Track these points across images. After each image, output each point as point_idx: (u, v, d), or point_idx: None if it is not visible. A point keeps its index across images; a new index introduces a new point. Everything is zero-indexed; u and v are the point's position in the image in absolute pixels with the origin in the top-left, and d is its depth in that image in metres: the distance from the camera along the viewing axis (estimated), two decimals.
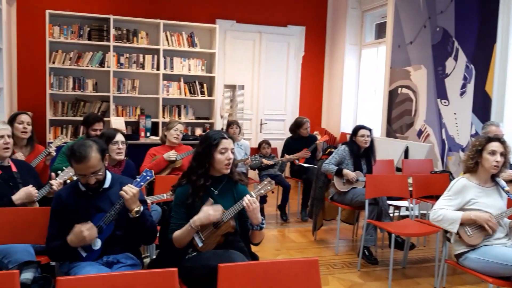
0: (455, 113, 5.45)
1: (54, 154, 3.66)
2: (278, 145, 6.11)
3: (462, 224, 2.90)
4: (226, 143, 2.52)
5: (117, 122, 6.00)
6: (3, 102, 4.69)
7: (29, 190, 2.79)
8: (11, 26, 6.14)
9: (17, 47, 6.35)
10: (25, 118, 3.72)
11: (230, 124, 5.58)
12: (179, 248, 2.48)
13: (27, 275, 2.31)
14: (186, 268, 2.33)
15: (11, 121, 3.69)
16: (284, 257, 4.27)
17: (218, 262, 2.06)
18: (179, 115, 6.88)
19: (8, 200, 2.74)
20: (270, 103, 7.79)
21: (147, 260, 2.83)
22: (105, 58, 6.38)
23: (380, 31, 7.29)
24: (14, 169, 2.95)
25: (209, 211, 2.38)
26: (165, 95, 6.71)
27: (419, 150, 5.62)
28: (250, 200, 2.38)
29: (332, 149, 6.74)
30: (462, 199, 3.00)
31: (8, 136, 2.90)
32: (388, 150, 5.81)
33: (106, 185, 2.51)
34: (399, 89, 6.39)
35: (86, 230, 2.31)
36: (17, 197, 2.77)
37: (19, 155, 3.52)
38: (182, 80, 6.81)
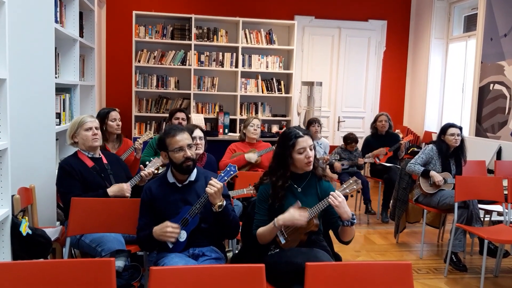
0: None
1: (141, 147, 3.83)
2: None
3: None
4: (302, 142, 2.42)
5: (197, 118, 6.15)
6: (94, 99, 4.95)
7: (123, 187, 2.93)
8: (101, 27, 6.50)
9: (106, 46, 6.73)
10: (116, 115, 3.93)
11: (311, 122, 5.40)
12: (261, 244, 2.46)
13: (119, 263, 2.41)
14: (269, 264, 2.29)
15: (103, 118, 3.85)
16: (364, 259, 4.15)
17: (303, 260, 2.02)
18: (256, 112, 6.92)
19: (103, 192, 2.89)
20: (349, 100, 7.60)
21: (230, 254, 2.84)
22: (187, 56, 6.57)
23: (470, 23, 6.84)
24: (105, 161, 3.10)
25: (295, 215, 2.31)
26: (243, 93, 6.77)
27: None
28: (333, 195, 2.29)
29: (415, 149, 6.44)
30: None
31: (96, 128, 3.06)
32: (478, 150, 5.43)
33: (192, 178, 2.55)
34: (491, 85, 5.95)
35: (171, 228, 2.36)
36: (112, 190, 2.92)
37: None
38: (259, 77, 6.84)
